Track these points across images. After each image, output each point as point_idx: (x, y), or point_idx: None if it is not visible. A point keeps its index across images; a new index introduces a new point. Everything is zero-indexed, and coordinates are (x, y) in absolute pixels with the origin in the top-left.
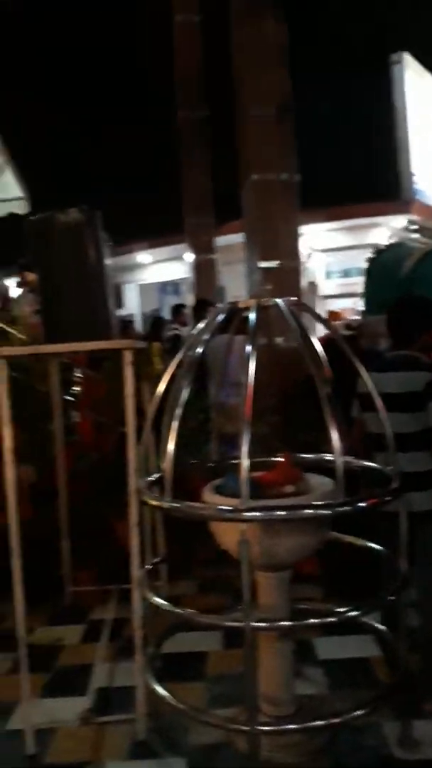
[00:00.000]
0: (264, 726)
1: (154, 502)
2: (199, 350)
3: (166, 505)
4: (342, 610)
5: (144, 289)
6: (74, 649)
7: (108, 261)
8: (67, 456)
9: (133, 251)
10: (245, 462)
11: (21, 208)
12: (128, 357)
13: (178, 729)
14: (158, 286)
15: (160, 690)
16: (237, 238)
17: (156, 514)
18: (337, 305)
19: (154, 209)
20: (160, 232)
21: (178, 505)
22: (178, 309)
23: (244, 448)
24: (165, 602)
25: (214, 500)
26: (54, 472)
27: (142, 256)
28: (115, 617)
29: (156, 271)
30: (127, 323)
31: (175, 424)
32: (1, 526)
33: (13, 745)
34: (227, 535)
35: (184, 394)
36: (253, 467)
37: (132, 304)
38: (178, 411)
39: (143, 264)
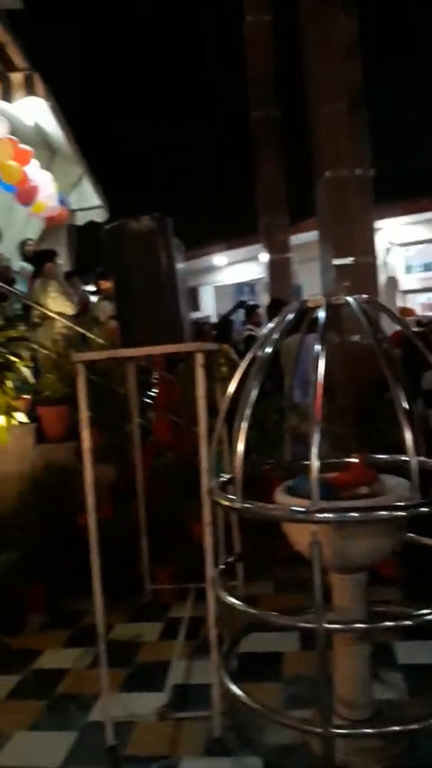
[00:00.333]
0: (339, 729)
1: (225, 503)
2: (269, 349)
3: (237, 505)
4: (420, 612)
5: (219, 290)
6: (152, 646)
7: (180, 265)
8: (145, 457)
9: (209, 253)
10: (315, 463)
11: (100, 216)
12: (199, 359)
13: (255, 728)
14: (234, 287)
15: (235, 689)
16: (313, 236)
17: (232, 515)
18: (418, 300)
19: (229, 211)
20: (235, 234)
21: (249, 505)
22: (251, 309)
23: (314, 449)
24: (238, 602)
25: (285, 501)
26: (132, 473)
27: (218, 258)
28: (193, 615)
29: (232, 272)
30: (202, 325)
31: (244, 425)
32: (83, 526)
33: (93, 737)
34: (300, 536)
35: (254, 394)
36: (328, 468)
37: (208, 306)
38: (248, 411)
39: (218, 266)
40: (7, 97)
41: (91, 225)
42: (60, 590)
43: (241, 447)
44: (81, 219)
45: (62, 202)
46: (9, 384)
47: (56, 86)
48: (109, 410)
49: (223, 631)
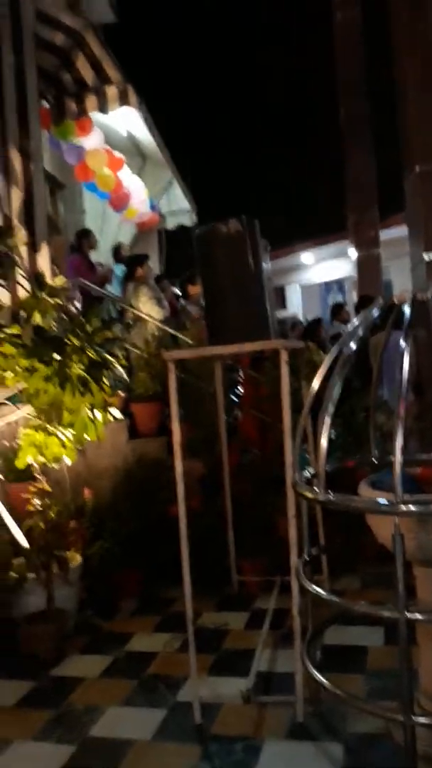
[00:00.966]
0: (421, 718)
1: (308, 494)
2: (353, 346)
3: (320, 497)
4: None
5: (306, 289)
6: (238, 634)
7: (266, 265)
8: (232, 452)
9: (296, 252)
10: (399, 456)
11: (189, 219)
12: (283, 356)
13: (337, 716)
14: (322, 285)
15: (318, 675)
16: (403, 232)
17: (317, 511)
18: None
19: (316, 209)
20: (322, 231)
21: (331, 497)
22: (337, 308)
23: (398, 443)
24: (320, 590)
25: (369, 494)
26: (220, 468)
27: (305, 256)
28: (277, 608)
29: (319, 270)
30: (294, 325)
31: (327, 420)
32: (173, 517)
33: (181, 715)
34: (383, 529)
35: (337, 390)
36: (415, 465)
37: (295, 305)
38: (331, 408)
39: (306, 264)
40: (103, 109)
41: (181, 229)
42: (151, 578)
43: (324, 441)
44: (170, 223)
45: (153, 207)
46: (106, 381)
47: (147, 95)
48: (198, 407)
49: (306, 623)
